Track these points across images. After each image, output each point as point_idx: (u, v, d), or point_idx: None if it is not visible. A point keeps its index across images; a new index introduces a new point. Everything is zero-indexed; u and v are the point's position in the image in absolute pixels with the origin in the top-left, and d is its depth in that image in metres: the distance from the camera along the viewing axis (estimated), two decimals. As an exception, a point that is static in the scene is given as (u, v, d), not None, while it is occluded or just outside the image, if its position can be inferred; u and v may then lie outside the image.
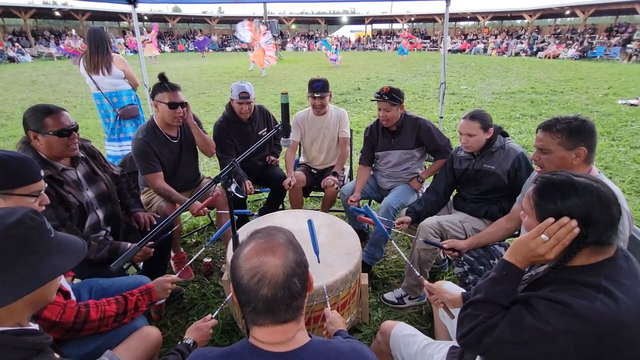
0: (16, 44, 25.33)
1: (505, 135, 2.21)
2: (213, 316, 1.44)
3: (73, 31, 29.09)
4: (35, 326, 0.92)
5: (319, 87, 2.85)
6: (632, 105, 7.86)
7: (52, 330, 1.26)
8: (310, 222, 1.84)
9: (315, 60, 21.99)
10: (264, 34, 13.94)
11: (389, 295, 2.38)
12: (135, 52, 23.05)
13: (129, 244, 1.89)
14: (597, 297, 0.88)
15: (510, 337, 0.94)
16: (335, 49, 19.30)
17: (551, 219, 0.98)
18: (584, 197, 0.95)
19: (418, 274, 1.76)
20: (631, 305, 0.88)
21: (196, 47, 30.92)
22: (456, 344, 1.34)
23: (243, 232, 2.01)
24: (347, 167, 3.32)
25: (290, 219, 2.25)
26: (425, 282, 1.58)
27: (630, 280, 0.93)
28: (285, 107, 1.51)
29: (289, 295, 0.81)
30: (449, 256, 2.19)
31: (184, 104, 2.37)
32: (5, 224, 0.81)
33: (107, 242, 1.85)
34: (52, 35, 29.87)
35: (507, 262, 1.05)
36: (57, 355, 0.89)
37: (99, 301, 1.40)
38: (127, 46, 25.24)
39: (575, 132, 1.45)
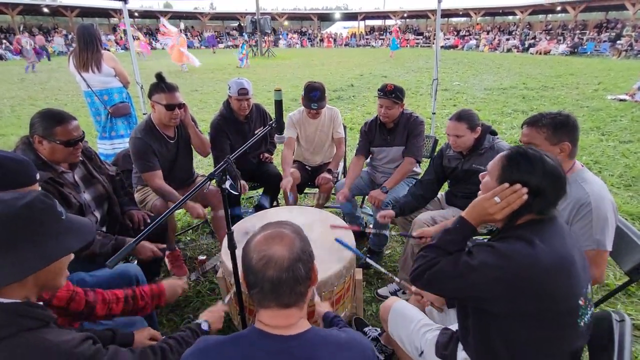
0: (4, 41, 24.88)
1: (494, 133, 2.23)
2: (225, 302, 1.52)
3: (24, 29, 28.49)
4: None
5: (316, 97, 2.72)
6: (621, 100, 7.98)
7: (61, 316, 1.28)
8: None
9: (308, 57, 21.92)
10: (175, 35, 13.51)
11: (383, 290, 2.41)
12: (127, 49, 22.79)
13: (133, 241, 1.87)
14: (517, 242, 1.04)
15: (447, 271, 1.11)
16: (242, 44, 18.05)
17: (506, 184, 1.09)
18: (548, 175, 1.06)
19: (398, 281, 1.79)
20: (545, 249, 1.01)
21: (207, 44, 31.68)
22: (449, 327, 1.39)
23: (237, 227, 2.02)
24: (341, 164, 3.31)
25: (285, 216, 2.26)
26: (412, 288, 1.62)
27: (550, 233, 1.07)
28: (279, 104, 1.52)
29: (293, 279, 0.88)
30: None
31: (181, 105, 2.34)
32: (16, 206, 0.87)
33: (112, 238, 1.83)
34: (41, 32, 29.38)
35: (462, 218, 1.20)
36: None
37: (106, 296, 1.38)
38: (117, 43, 24.95)
39: (560, 127, 1.50)
